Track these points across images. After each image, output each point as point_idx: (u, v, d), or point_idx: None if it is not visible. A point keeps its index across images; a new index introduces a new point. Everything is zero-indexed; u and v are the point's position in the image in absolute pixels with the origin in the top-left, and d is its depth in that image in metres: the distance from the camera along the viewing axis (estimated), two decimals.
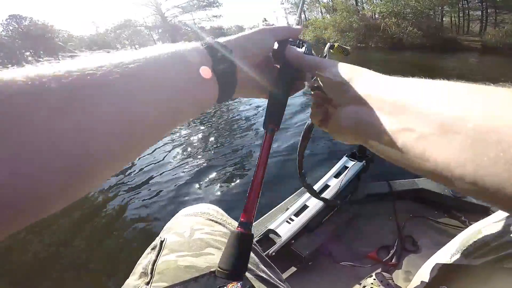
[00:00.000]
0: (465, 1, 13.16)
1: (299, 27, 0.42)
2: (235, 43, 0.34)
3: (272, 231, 1.25)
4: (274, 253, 1.18)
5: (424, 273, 0.62)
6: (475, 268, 0.48)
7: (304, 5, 17.72)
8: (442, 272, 0.57)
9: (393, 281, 1.25)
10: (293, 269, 1.24)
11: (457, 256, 0.53)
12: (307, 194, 1.37)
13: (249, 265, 0.51)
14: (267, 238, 1.25)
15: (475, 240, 0.51)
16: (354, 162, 1.48)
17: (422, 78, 0.27)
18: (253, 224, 1.32)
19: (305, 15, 21.13)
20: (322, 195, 1.33)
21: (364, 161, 1.46)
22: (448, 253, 0.56)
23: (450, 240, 0.61)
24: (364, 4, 16.51)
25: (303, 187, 1.16)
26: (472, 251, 0.50)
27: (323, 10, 19.16)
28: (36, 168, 0.16)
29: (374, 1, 15.37)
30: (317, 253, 1.27)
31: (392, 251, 1.29)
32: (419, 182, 1.47)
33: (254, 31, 0.37)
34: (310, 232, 1.28)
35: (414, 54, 11.00)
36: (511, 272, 0.41)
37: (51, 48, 22.53)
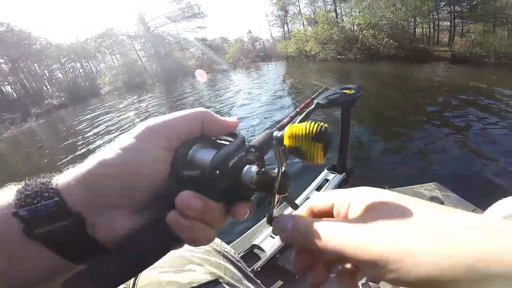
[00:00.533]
0: (435, 12, 14.00)
1: (228, 120, 0.31)
2: (80, 181, 0.24)
3: (257, 247, 1.22)
4: (259, 269, 1.16)
5: None
6: None
7: (287, 17, 18.12)
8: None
9: None
10: (280, 282, 1.22)
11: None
12: (290, 208, 1.36)
13: (232, 281, 0.51)
14: (252, 253, 1.22)
15: None
16: (335, 174, 1.51)
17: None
18: (237, 240, 1.28)
19: (287, 27, 21.71)
20: (297, 204, 1.32)
21: (344, 173, 1.48)
22: None
23: None
24: (344, 17, 17.20)
25: (285, 202, 1.15)
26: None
27: (305, 22, 19.74)
28: None
29: (353, 13, 16.07)
30: None
31: None
32: (400, 191, 1.50)
33: (129, 138, 0.26)
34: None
35: (389, 65, 11.50)
36: None
37: (28, 56, 21.72)
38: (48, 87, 23.86)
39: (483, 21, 11.70)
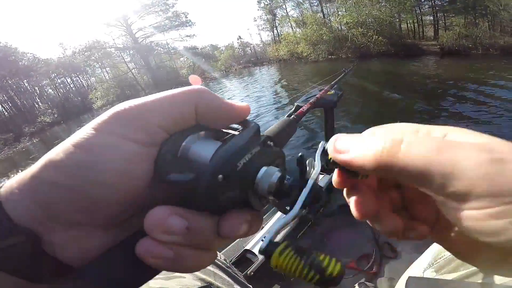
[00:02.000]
0: (418, 7, 14.24)
1: (227, 102, 0.22)
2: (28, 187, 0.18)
3: (249, 251, 1.24)
4: (252, 273, 1.17)
5: (401, 286, 0.62)
6: (447, 283, 0.47)
7: (276, 21, 18.31)
8: (417, 287, 0.57)
9: None
10: (277, 286, 1.24)
11: (430, 270, 0.53)
12: (279, 212, 1.37)
13: (222, 287, 0.51)
14: (245, 258, 1.24)
15: (444, 253, 0.51)
16: (323, 175, 1.51)
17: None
18: (229, 246, 1.29)
19: (277, 30, 21.90)
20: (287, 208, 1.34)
21: (332, 173, 1.49)
22: (421, 266, 0.56)
23: (428, 244, 0.61)
24: (331, 17, 17.40)
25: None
26: (442, 265, 0.50)
27: (293, 25, 19.95)
28: None
29: (339, 13, 16.27)
30: None
31: (371, 260, 1.30)
32: None
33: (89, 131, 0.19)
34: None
35: (381, 61, 11.64)
36: (481, 287, 0.40)
37: (16, 72, 21.63)
38: (40, 104, 23.74)
39: (464, 13, 11.95)
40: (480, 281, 0.42)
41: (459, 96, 5.16)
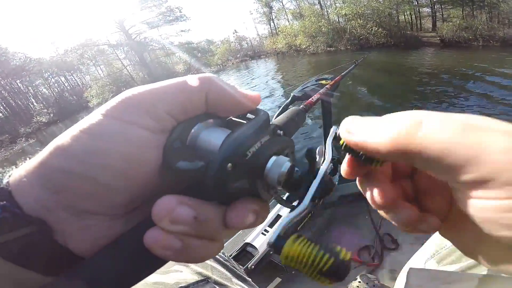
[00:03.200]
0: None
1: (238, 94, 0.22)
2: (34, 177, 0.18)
3: (249, 245, 1.25)
4: (253, 266, 1.19)
5: (403, 277, 0.62)
6: (449, 274, 0.47)
7: (272, 13, 18.18)
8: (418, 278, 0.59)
9: (378, 282, 1.28)
10: (278, 280, 1.25)
11: (431, 261, 0.53)
12: (279, 205, 1.38)
13: (220, 280, 0.51)
14: (245, 252, 1.26)
15: (446, 243, 0.51)
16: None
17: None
18: (229, 240, 1.30)
19: (274, 23, 21.76)
20: (293, 204, 1.35)
21: (331, 164, 1.50)
22: (422, 257, 0.56)
23: (429, 235, 0.61)
24: (328, 9, 17.30)
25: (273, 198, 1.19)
26: (444, 256, 0.50)
27: (290, 17, 19.83)
28: None
29: (337, 4, 16.18)
30: None
31: (372, 252, 1.32)
32: None
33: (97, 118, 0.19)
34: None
35: (380, 53, 11.62)
36: (482, 280, 0.40)
37: (8, 73, 21.51)
38: (35, 104, 23.65)
39: (462, 5, 11.97)
40: (483, 272, 0.41)
41: (461, 87, 5.16)
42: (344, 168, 0.23)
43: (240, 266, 1.12)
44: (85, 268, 0.18)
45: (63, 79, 25.01)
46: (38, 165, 0.18)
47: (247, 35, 24.78)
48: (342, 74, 1.16)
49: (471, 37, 10.62)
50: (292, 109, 0.29)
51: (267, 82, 9.63)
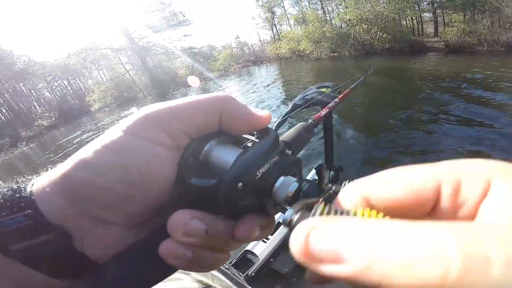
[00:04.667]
0: (417, 4, 14.24)
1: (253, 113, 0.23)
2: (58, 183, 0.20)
3: (249, 252, 1.27)
4: (253, 274, 1.20)
5: None
6: None
7: (275, 19, 18.33)
8: None
9: None
10: (279, 287, 1.26)
11: None
12: (280, 213, 1.40)
13: None
14: (245, 259, 1.27)
15: None
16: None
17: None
18: None
19: (276, 28, 21.94)
20: None
21: (332, 171, 1.52)
22: None
23: None
24: (331, 14, 17.44)
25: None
26: None
27: (292, 23, 20.00)
28: None
29: (341, 9, 16.29)
30: (298, 269, 1.29)
31: None
32: None
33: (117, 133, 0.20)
34: (287, 249, 1.31)
35: (385, 59, 11.62)
36: None
37: (12, 76, 21.77)
38: (37, 107, 23.90)
39: (463, 10, 12.04)
40: None
41: (469, 94, 5.16)
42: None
43: (240, 273, 1.14)
44: (100, 273, 0.20)
45: (65, 82, 25.34)
46: (61, 177, 0.19)
47: (249, 41, 25.01)
48: (352, 86, 1.18)
49: (476, 42, 10.64)
50: (301, 124, 0.31)
51: (268, 90, 9.68)
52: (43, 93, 24.69)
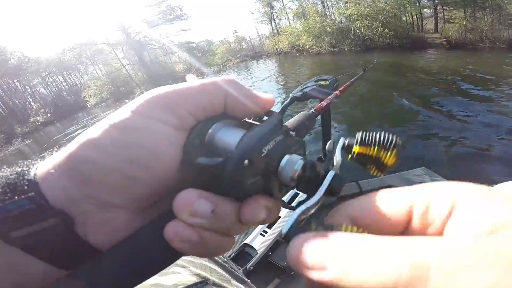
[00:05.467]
0: (417, 0, 14.23)
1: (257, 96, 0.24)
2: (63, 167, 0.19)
3: (248, 245, 1.29)
4: (252, 267, 1.21)
5: None
6: None
7: (274, 13, 18.21)
8: None
9: None
10: (277, 281, 1.28)
11: None
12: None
13: (219, 282, 0.51)
14: (244, 252, 1.29)
15: None
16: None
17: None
18: None
19: (275, 23, 21.84)
20: (292, 204, 1.38)
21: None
22: None
23: None
24: (331, 8, 17.36)
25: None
26: None
27: (291, 17, 19.91)
28: None
29: (340, 4, 16.23)
30: None
31: None
32: (387, 180, 1.56)
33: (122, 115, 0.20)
34: (286, 242, 1.32)
35: (387, 54, 11.61)
36: None
37: (6, 72, 21.59)
38: (32, 103, 23.75)
39: (464, 6, 12.03)
40: None
41: (472, 90, 5.17)
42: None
43: (238, 267, 1.15)
44: (102, 261, 0.19)
45: (61, 78, 25.16)
46: (67, 157, 0.19)
47: (247, 35, 24.86)
48: (352, 80, 1.19)
49: (477, 38, 10.67)
50: (303, 113, 0.32)
51: (266, 83, 9.66)
52: (38, 89, 24.53)
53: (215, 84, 0.22)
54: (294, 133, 0.24)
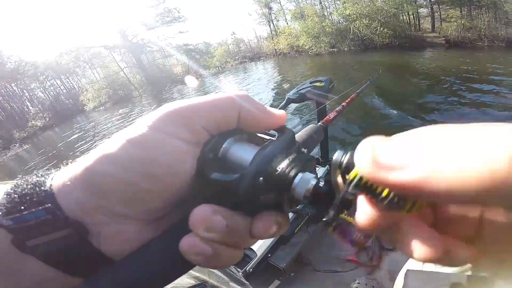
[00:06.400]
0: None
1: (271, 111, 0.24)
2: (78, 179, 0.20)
3: (247, 248, 1.28)
4: (251, 269, 1.22)
5: (401, 279, 0.61)
6: (447, 276, 0.47)
7: (272, 15, 18.26)
8: (415, 280, 0.55)
9: (377, 283, 1.31)
10: (277, 282, 1.29)
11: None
12: None
13: (217, 284, 0.51)
14: (243, 255, 1.29)
15: None
16: (318, 167, 1.56)
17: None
18: None
19: (273, 24, 21.90)
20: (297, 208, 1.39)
21: (327, 165, 1.54)
22: None
23: None
24: (328, 9, 17.43)
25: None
26: None
27: (288, 18, 19.98)
28: None
29: (338, 4, 16.29)
30: (296, 264, 1.31)
31: (370, 253, 1.36)
32: None
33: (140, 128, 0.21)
34: (284, 244, 1.33)
35: (385, 54, 11.68)
36: (477, 281, 0.40)
37: (3, 76, 21.61)
38: (30, 107, 23.76)
39: (460, 5, 12.12)
40: (482, 274, 0.43)
41: (471, 88, 5.19)
42: (364, 217, 0.17)
43: (237, 269, 1.16)
44: (116, 270, 0.20)
45: (58, 82, 25.15)
46: (83, 170, 0.20)
47: (245, 37, 24.92)
48: (357, 91, 1.20)
49: (476, 37, 10.73)
50: (311, 126, 0.33)
51: (264, 85, 9.68)
52: (36, 93, 24.53)
53: (230, 99, 0.22)
54: (306, 150, 0.25)
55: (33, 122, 21.38)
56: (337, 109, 0.94)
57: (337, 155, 0.17)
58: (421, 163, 0.13)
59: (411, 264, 0.61)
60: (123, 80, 22.11)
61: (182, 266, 0.22)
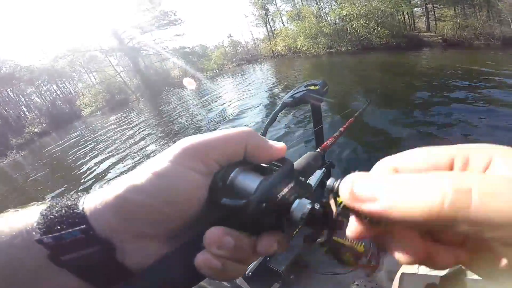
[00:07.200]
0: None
1: (275, 146, 0.29)
2: (107, 208, 0.24)
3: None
4: (251, 273, 1.22)
5: (396, 284, 0.62)
6: (443, 279, 0.48)
7: (268, 16, 18.28)
8: (410, 283, 0.57)
9: (376, 284, 1.32)
10: (277, 285, 1.29)
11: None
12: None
13: None
14: (248, 269, 1.29)
15: None
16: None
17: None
18: None
19: (270, 25, 21.98)
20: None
21: (324, 168, 1.54)
22: None
23: None
24: (325, 9, 17.52)
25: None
26: None
27: (285, 19, 20.08)
28: None
29: (334, 5, 16.39)
30: (295, 266, 1.32)
31: (368, 254, 1.36)
32: None
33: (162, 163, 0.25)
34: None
35: (384, 54, 11.71)
36: (474, 284, 0.41)
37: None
38: (27, 113, 23.69)
39: (454, 4, 12.29)
40: (474, 277, 0.42)
41: (469, 86, 5.21)
42: (353, 230, 0.21)
43: None
44: (136, 282, 0.24)
45: (55, 87, 25.11)
46: (115, 198, 0.24)
47: (242, 39, 24.95)
48: (356, 115, 1.20)
49: (472, 36, 10.82)
50: (309, 153, 0.36)
51: (261, 88, 9.68)
52: (32, 98, 24.46)
53: (237, 135, 0.27)
54: (303, 178, 0.29)
55: (30, 128, 21.30)
56: (334, 134, 0.96)
57: (330, 182, 0.22)
58: (384, 198, 0.17)
59: (406, 267, 0.62)
60: (120, 84, 22.10)
61: (195, 278, 0.25)
